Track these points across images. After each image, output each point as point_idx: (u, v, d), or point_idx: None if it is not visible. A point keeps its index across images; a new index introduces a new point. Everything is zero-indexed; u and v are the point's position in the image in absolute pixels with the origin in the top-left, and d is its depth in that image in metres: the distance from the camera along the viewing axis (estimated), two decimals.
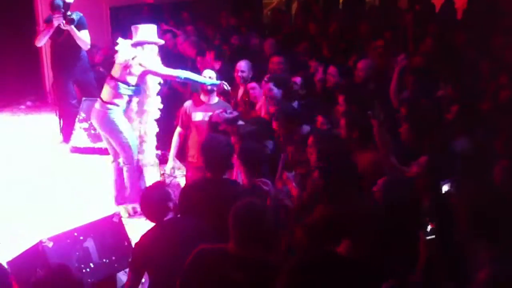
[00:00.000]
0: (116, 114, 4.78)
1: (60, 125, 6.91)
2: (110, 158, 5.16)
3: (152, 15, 8.65)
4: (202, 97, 4.94)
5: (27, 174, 5.83)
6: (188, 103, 5.02)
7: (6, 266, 3.47)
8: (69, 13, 6.04)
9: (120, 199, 5.08)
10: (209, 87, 4.84)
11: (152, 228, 3.32)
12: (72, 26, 6.09)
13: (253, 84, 5.30)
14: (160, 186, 3.46)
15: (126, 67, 4.71)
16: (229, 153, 3.54)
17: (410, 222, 2.87)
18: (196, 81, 4.89)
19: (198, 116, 4.88)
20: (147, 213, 3.31)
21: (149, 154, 5.16)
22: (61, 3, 6.04)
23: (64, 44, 6.34)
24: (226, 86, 4.86)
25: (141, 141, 5.07)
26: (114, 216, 4.04)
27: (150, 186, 3.52)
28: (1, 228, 4.78)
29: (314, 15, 9.14)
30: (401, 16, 8.61)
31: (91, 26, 6.48)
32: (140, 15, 8.90)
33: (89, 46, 6.42)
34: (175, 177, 5.62)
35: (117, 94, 4.76)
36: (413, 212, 2.90)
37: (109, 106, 4.77)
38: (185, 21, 8.73)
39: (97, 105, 4.86)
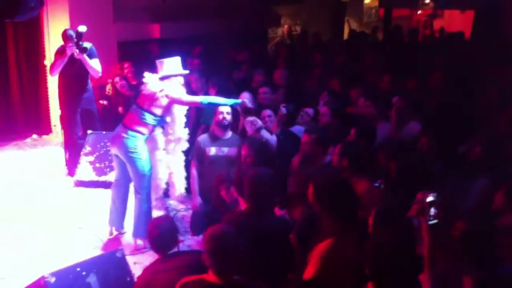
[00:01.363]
0: (138, 141, 4.84)
1: (66, 157, 6.92)
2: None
3: (160, 50, 8.77)
4: (216, 132, 4.99)
5: (31, 207, 5.81)
6: (202, 138, 5.06)
7: None
8: (81, 42, 6.15)
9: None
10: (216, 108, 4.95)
11: (154, 262, 3.32)
12: (85, 55, 6.19)
13: (269, 112, 5.37)
14: (169, 218, 3.52)
15: (153, 99, 4.81)
16: (275, 187, 3.44)
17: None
18: (219, 104, 4.93)
19: (212, 150, 4.95)
20: (155, 244, 3.35)
21: (178, 185, 5.21)
22: (73, 33, 6.17)
23: (73, 75, 6.42)
24: (248, 104, 4.89)
25: (169, 172, 5.14)
26: (117, 251, 4.00)
27: (159, 218, 3.56)
28: (3, 261, 4.73)
29: (320, 47, 9.27)
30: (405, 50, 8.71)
31: (100, 60, 6.55)
32: (148, 50, 9.03)
33: (100, 74, 6.50)
34: (179, 211, 5.60)
35: (142, 123, 4.84)
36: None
37: (132, 133, 4.83)
38: (194, 54, 8.85)
39: (121, 130, 4.90)
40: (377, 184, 3.68)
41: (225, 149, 4.92)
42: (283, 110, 5.29)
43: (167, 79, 4.86)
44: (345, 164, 3.75)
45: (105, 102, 7.35)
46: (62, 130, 7.13)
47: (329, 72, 7.41)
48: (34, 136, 8.34)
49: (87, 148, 6.56)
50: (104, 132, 6.53)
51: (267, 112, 5.35)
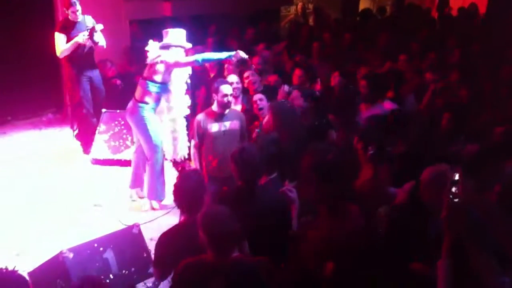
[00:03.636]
0: (147, 112, 5.16)
1: (74, 133, 7.01)
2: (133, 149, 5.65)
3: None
4: (214, 108, 4.99)
5: (48, 185, 5.92)
6: (200, 117, 5.04)
7: (27, 276, 3.51)
8: (94, 32, 6.17)
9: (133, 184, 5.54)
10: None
11: (173, 227, 3.31)
12: (94, 38, 6.22)
13: (260, 96, 5.38)
14: (197, 175, 3.30)
15: (152, 65, 5.11)
16: (261, 162, 3.46)
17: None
18: (215, 59, 5.19)
19: (215, 127, 4.94)
20: (177, 202, 3.25)
21: (181, 151, 5.49)
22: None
23: (82, 53, 6.45)
24: (243, 54, 4.98)
25: (174, 137, 5.42)
26: (134, 227, 4.07)
27: (187, 174, 3.32)
28: (21, 238, 4.84)
29: (329, 26, 9.19)
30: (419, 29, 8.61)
31: (111, 40, 6.55)
32: (160, 29, 8.99)
33: (105, 46, 6.44)
34: None
35: (146, 92, 5.15)
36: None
37: (140, 104, 5.16)
38: (208, 33, 8.81)
39: (132, 103, 5.27)
40: (370, 152, 3.67)
41: (227, 123, 4.94)
42: (285, 88, 5.52)
43: (167, 48, 5.10)
44: (360, 148, 3.80)
45: (118, 82, 7.37)
46: (73, 107, 7.09)
47: (339, 52, 7.38)
48: (50, 115, 8.41)
49: (102, 127, 6.63)
50: (118, 111, 6.58)
51: (259, 96, 5.40)
